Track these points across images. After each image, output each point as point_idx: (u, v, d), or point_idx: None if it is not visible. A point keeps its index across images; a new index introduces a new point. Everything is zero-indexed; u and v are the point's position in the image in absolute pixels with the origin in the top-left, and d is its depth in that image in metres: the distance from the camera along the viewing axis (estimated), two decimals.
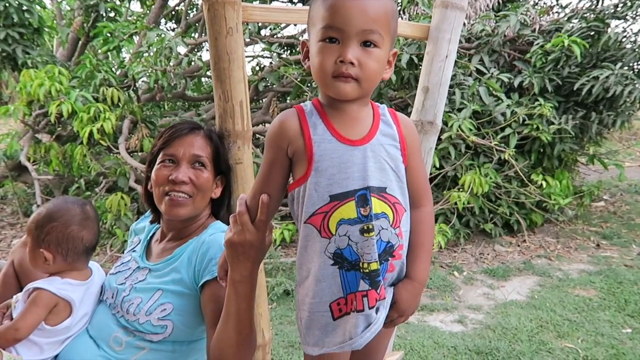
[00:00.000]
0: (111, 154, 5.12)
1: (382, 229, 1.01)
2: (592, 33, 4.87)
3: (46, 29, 5.78)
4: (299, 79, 5.14)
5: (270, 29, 5.94)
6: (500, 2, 5.71)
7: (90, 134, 4.11)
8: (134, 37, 5.43)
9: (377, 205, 1.00)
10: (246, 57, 5.96)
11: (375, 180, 1.00)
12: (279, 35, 5.77)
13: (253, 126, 5.55)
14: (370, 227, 0.98)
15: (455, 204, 4.27)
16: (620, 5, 5.12)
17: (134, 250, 1.52)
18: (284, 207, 4.16)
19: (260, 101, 6.65)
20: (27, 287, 1.33)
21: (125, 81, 5.02)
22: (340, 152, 1.00)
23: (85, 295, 1.37)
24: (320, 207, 1.00)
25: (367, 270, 0.99)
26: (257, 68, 6.07)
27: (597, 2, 5.24)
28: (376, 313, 1.03)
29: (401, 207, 1.04)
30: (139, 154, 5.18)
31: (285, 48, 6.28)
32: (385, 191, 1.01)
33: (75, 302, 1.33)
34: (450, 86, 4.59)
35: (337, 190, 0.99)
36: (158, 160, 1.42)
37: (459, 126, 4.31)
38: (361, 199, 0.99)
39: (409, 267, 1.08)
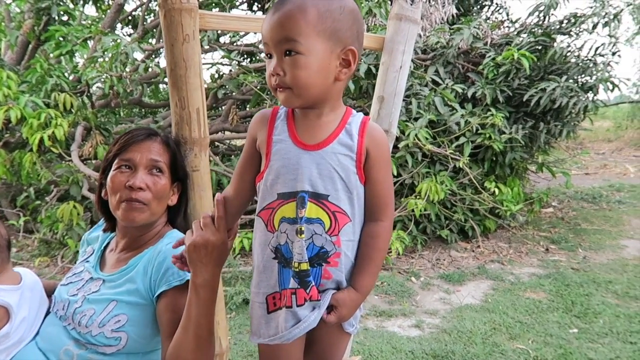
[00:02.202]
0: (63, 162, 4.94)
1: (315, 233, 1.04)
2: (540, 47, 5.11)
3: None
4: (258, 87, 5.13)
5: (230, 36, 5.91)
6: (454, 15, 5.91)
7: (41, 140, 3.96)
8: (88, 41, 5.27)
9: (313, 210, 1.04)
10: (205, 64, 5.91)
11: (317, 186, 1.03)
12: (238, 42, 5.75)
13: (212, 134, 5.49)
14: (301, 229, 1.03)
15: (413, 211, 4.36)
16: (565, 21, 5.40)
17: (87, 261, 1.47)
18: (244, 216, 4.13)
19: (220, 109, 6.59)
20: None
21: (78, 87, 4.87)
22: (292, 154, 1.05)
23: (20, 299, 1.31)
24: (270, 203, 1.07)
25: (298, 270, 1.05)
26: (217, 75, 6.02)
27: (544, 18, 5.50)
28: (310, 312, 1.07)
29: (344, 216, 1.05)
30: (93, 161, 5.02)
31: (245, 56, 6.26)
32: (327, 199, 1.04)
33: (13, 307, 1.28)
34: (407, 96, 4.71)
35: (283, 190, 1.05)
36: (114, 166, 1.38)
37: (416, 135, 4.41)
38: (300, 201, 1.03)
39: (354, 277, 1.10)
